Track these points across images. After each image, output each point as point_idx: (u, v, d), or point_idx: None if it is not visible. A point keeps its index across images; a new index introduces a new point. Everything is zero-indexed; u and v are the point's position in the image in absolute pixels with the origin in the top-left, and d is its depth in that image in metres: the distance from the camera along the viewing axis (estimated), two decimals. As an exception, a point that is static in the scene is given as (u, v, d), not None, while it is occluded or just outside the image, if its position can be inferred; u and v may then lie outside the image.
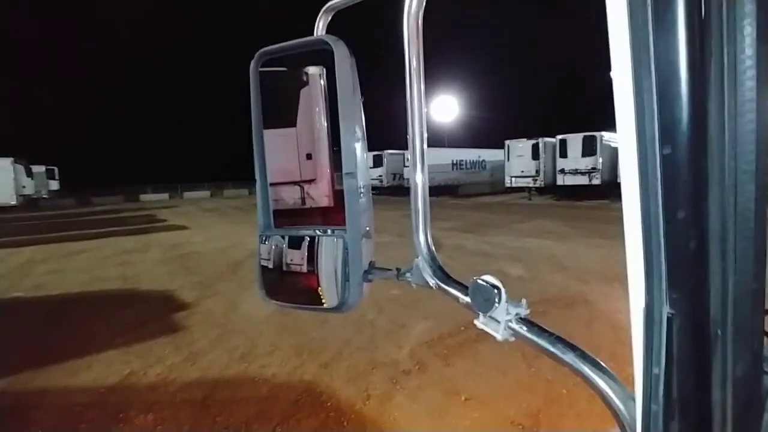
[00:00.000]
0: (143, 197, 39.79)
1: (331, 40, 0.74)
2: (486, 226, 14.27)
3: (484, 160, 32.16)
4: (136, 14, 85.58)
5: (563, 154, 23.54)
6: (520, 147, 25.63)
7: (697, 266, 0.39)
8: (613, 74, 0.41)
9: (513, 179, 26.14)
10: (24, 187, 28.51)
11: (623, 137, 0.40)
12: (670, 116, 0.37)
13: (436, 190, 27.16)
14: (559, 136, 23.89)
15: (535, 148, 24.90)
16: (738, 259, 0.38)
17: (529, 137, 25.41)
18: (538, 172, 24.86)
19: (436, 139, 40.79)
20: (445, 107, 45.83)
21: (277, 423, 3.48)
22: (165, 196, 40.92)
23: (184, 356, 4.80)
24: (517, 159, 25.68)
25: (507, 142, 26.40)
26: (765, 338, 0.48)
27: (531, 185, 25.32)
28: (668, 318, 0.39)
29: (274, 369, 4.43)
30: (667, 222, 0.38)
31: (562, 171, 23.58)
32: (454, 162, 30.32)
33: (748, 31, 0.36)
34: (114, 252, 11.76)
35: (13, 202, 26.97)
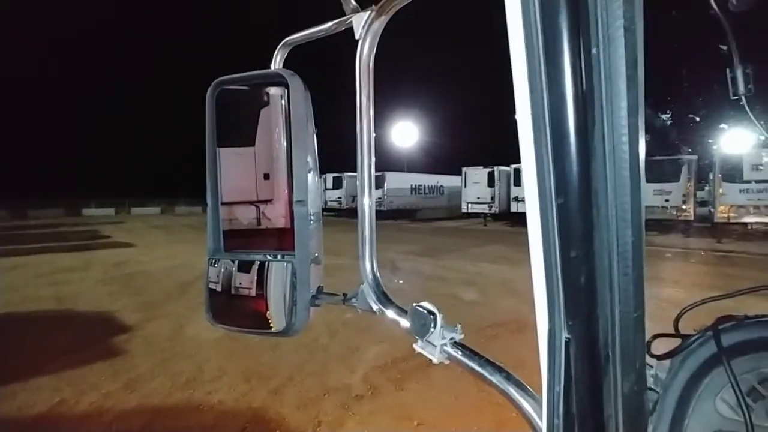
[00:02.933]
0: (86, 212, 37.47)
1: (286, 73, 0.77)
2: (442, 250, 14.51)
3: (441, 186, 32.88)
4: (90, 20, 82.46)
5: (517, 183, 24.48)
6: (477, 174, 26.50)
7: (588, 297, 0.45)
8: (518, 123, 0.48)
9: (469, 205, 26.89)
10: (-51, 196, 26.20)
11: (528, 188, 0.47)
12: (562, 172, 0.44)
13: (394, 214, 27.38)
14: (514, 165, 24.89)
15: (491, 176, 25.83)
16: (621, 291, 0.45)
17: (485, 165, 26.34)
18: (493, 198, 25.73)
19: (396, 163, 41.41)
20: (404, 133, 46.78)
21: (222, 453, 3.30)
22: (111, 211, 38.72)
23: (122, 383, 4.49)
24: (474, 186, 26.50)
25: (464, 169, 27.22)
26: (647, 358, 0.55)
27: (486, 211, 26.11)
28: (566, 342, 0.45)
29: (221, 395, 4.23)
30: (563, 259, 0.45)
31: (516, 198, 24.50)
32: (413, 186, 30.81)
33: (623, 105, 0.44)
34: (50, 270, 10.94)
35: (-64, 213, 24.66)
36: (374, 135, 0.78)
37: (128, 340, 5.80)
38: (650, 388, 0.62)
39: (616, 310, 0.45)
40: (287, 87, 0.76)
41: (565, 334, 0.45)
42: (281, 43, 0.87)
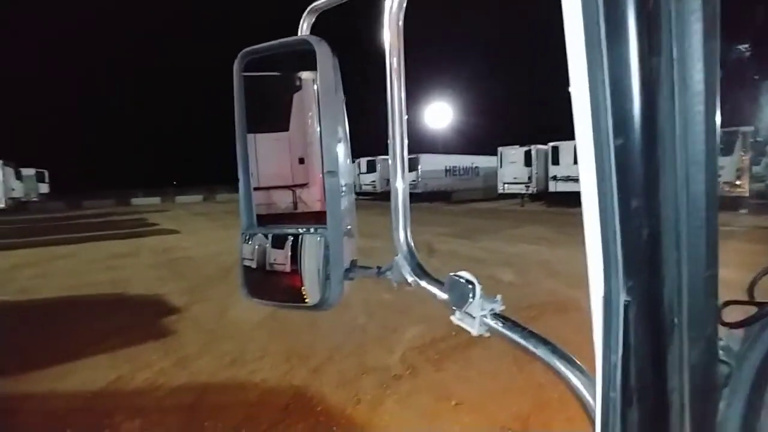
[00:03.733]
0: (134, 201, 39.43)
1: (313, 40, 0.74)
2: (479, 231, 14.32)
3: (477, 167, 32.29)
4: (131, 19, 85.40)
5: (555, 162, 23.73)
6: (513, 154, 25.83)
7: (651, 255, 0.39)
8: (570, 69, 0.41)
9: (506, 186, 26.31)
10: (13, 189, 28.20)
11: (580, 132, 0.41)
12: (621, 109, 0.38)
13: (429, 196, 27.17)
14: (552, 144, 24.10)
15: (528, 155, 25.11)
16: (690, 247, 0.39)
17: (521, 144, 25.63)
18: (530, 178, 25.05)
19: (430, 145, 40.93)
20: (438, 113, 46.07)
21: (266, 428, 3.44)
22: (156, 200, 40.57)
23: (173, 361, 4.74)
24: (510, 166, 25.87)
25: (500, 149, 26.59)
26: (719, 326, 0.49)
27: (523, 192, 25.49)
28: (625, 306, 0.40)
29: (263, 374, 4.39)
30: (622, 212, 0.39)
31: (555, 178, 23.76)
32: (448, 168, 30.42)
33: (696, 27, 0.37)
34: (104, 256, 11.63)
35: (2, 205, 26.64)
36: (406, 113, 0.75)
37: (176, 321, 6.10)
38: (721, 360, 0.54)
39: (684, 269, 0.39)
40: (314, 53, 0.74)
41: (623, 297, 0.40)
42: (307, 9, 0.84)
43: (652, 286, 0.40)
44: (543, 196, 24.90)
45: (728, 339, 0.61)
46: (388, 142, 0.76)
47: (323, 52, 0.73)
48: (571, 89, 0.41)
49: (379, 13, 0.70)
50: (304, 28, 0.84)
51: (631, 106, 0.37)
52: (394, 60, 0.72)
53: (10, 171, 27.91)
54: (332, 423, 3.51)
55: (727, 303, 0.65)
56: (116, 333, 5.56)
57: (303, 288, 0.81)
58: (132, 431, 3.46)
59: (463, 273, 0.63)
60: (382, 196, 28.01)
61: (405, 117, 0.75)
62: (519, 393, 3.83)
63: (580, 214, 0.44)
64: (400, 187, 0.76)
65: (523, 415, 3.52)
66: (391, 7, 0.69)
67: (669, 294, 0.39)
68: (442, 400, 3.82)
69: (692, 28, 0.37)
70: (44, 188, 35.08)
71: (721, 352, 0.57)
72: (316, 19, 0.85)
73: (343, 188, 0.77)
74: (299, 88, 0.89)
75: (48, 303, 7.25)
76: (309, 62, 0.80)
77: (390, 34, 0.71)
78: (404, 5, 0.69)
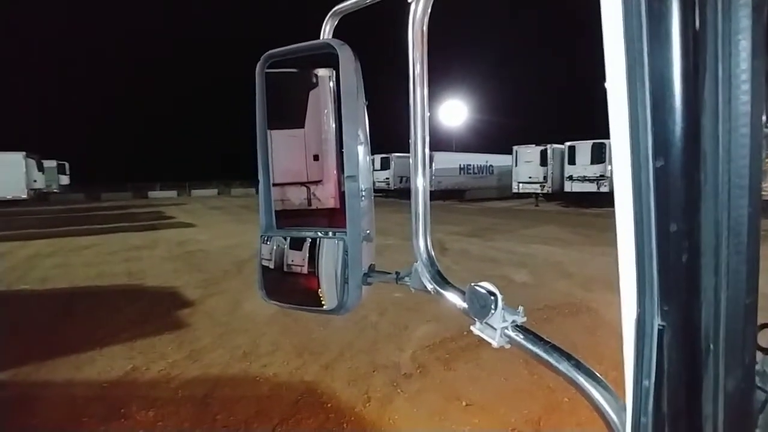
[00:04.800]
0: (151, 194, 40.13)
1: (336, 43, 0.74)
2: (492, 231, 14.22)
3: (491, 165, 32.05)
4: (148, 12, 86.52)
5: (572, 161, 23.45)
6: (529, 153, 25.59)
7: (689, 279, 0.38)
8: (607, 85, 0.40)
9: (520, 185, 26.10)
10: (35, 181, 28.86)
11: (617, 149, 0.40)
12: (663, 129, 0.36)
13: (442, 195, 27.09)
14: (568, 143, 23.81)
15: (544, 155, 24.86)
16: (730, 273, 0.38)
17: (537, 143, 25.36)
18: (545, 178, 24.81)
19: (444, 142, 40.76)
20: (453, 111, 45.79)
21: (277, 423, 3.48)
22: (173, 193, 41.22)
23: (186, 353, 4.82)
24: (525, 165, 25.64)
25: (515, 147, 26.36)
26: (757, 352, 0.47)
27: (538, 191, 25.26)
28: (659, 330, 0.39)
29: (275, 369, 4.43)
30: (660, 234, 0.38)
31: (570, 178, 23.49)
32: (462, 166, 30.25)
33: (743, 45, 0.35)
34: (121, 248, 11.86)
35: (24, 196, 27.30)
36: (428, 112, 0.74)
37: (191, 314, 6.19)
38: (758, 387, 0.53)
39: (722, 294, 0.38)
40: (337, 58, 0.74)
41: (658, 321, 0.39)
42: (330, 13, 0.84)
43: (688, 311, 0.39)
44: (558, 196, 24.64)
45: (764, 363, 0.59)
46: (410, 143, 0.75)
47: (346, 56, 0.73)
48: (609, 107, 0.40)
49: (402, 15, 0.70)
50: (327, 31, 0.84)
51: (674, 126, 0.36)
52: (417, 65, 0.72)
53: (33, 163, 28.57)
54: (342, 420, 3.54)
55: (764, 326, 0.63)
56: (132, 324, 5.68)
57: (320, 291, 0.81)
58: (146, 421, 3.53)
59: (484, 283, 0.62)
60: (395, 193, 28.01)
61: (427, 120, 0.74)
62: (529, 395, 3.81)
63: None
64: (421, 189, 0.75)
65: (533, 417, 3.49)
66: (416, 12, 0.69)
67: (706, 320, 0.38)
68: (452, 400, 3.81)
69: (739, 46, 0.35)
70: (65, 180, 35.89)
71: (757, 378, 0.55)
72: (339, 21, 0.85)
73: (363, 192, 0.76)
74: (315, 85, 0.89)
75: (67, 293, 7.43)
76: (329, 61, 0.80)
77: (414, 39, 0.71)
78: (429, 11, 0.69)
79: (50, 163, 32.27)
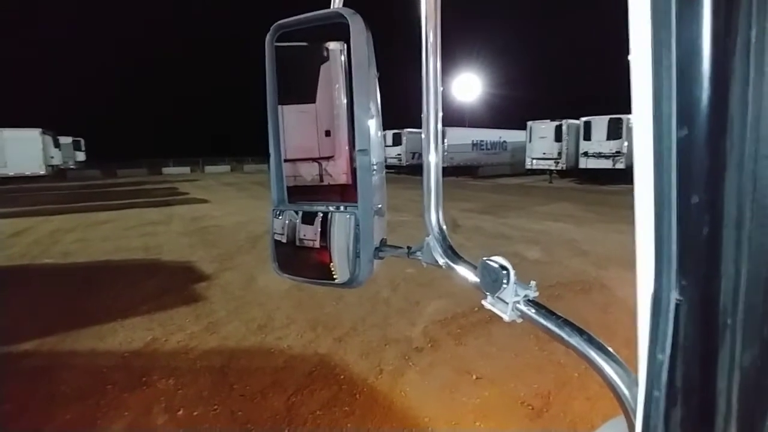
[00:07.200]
0: (165, 170, 40.52)
1: (347, 13, 0.72)
2: (505, 207, 14.13)
3: (504, 141, 31.56)
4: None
5: (587, 137, 22.96)
6: (543, 128, 25.10)
7: (709, 253, 0.37)
8: (631, 50, 0.38)
9: (534, 161, 25.70)
10: (52, 157, 29.32)
11: (638, 116, 0.38)
12: (688, 96, 0.34)
13: (455, 171, 26.85)
14: (584, 119, 23.25)
15: (558, 130, 24.35)
16: (753, 246, 0.36)
17: (552, 118, 24.83)
18: (560, 154, 24.38)
19: (457, 118, 40.11)
20: (466, 85, 44.88)
21: (292, 393, 3.59)
22: (186, 169, 41.58)
23: (204, 326, 4.96)
24: (540, 141, 25.19)
25: (529, 123, 25.86)
26: None
27: (552, 168, 24.86)
28: (676, 304, 0.38)
29: (289, 341, 4.54)
30: (681, 206, 0.37)
31: (586, 154, 23.05)
32: (474, 142, 29.84)
33: None
34: (138, 223, 12.09)
35: (42, 172, 27.81)
36: (441, 86, 0.72)
37: (207, 287, 6.34)
38: None
39: (743, 268, 0.36)
40: (347, 28, 0.72)
41: (675, 296, 0.38)
42: None
43: (707, 285, 0.38)
44: (572, 172, 24.25)
45: None
46: (422, 117, 0.74)
47: (357, 26, 0.72)
48: (631, 73, 0.38)
49: None
50: (337, 1, 0.82)
51: (700, 93, 0.34)
52: (431, 35, 0.70)
53: (49, 139, 28.96)
54: (355, 391, 3.63)
55: None
56: (151, 297, 5.83)
57: (332, 265, 0.82)
58: (167, 389, 3.67)
59: (496, 257, 0.61)
60: (407, 169, 27.86)
61: (440, 94, 0.73)
62: (539, 370, 3.85)
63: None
64: (433, 163, 0.74)
65: (543, 392, 3.54)
66: None
67: (725, 294, 0.37)
68: (463, 373, 3.88)
69: None
70: (81, 156, 36.40)
71: None
72: None
73: (374, 167, 0.76)
74: (326, 59, 0.87)
75: (88, 266, 7.64)
76: (340, 35, 0.78)
77: (427, 8, 0.69)
78: None
79: (66, 140, 32.67)
